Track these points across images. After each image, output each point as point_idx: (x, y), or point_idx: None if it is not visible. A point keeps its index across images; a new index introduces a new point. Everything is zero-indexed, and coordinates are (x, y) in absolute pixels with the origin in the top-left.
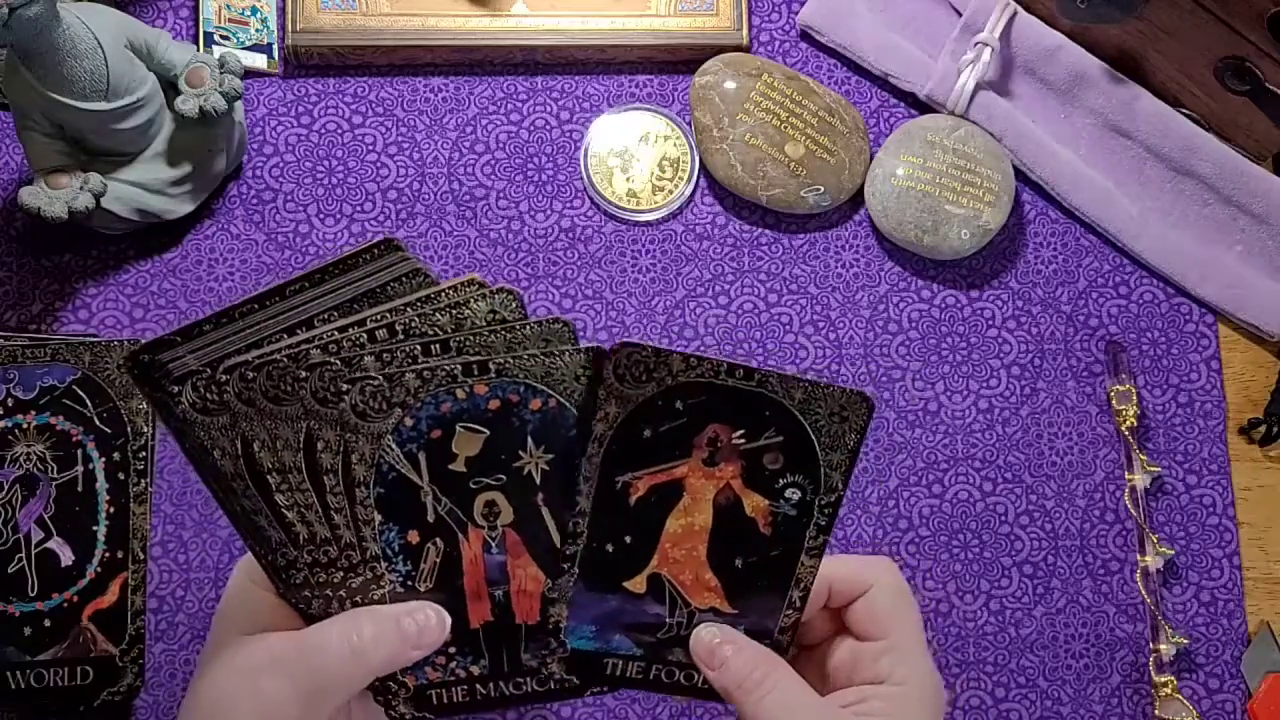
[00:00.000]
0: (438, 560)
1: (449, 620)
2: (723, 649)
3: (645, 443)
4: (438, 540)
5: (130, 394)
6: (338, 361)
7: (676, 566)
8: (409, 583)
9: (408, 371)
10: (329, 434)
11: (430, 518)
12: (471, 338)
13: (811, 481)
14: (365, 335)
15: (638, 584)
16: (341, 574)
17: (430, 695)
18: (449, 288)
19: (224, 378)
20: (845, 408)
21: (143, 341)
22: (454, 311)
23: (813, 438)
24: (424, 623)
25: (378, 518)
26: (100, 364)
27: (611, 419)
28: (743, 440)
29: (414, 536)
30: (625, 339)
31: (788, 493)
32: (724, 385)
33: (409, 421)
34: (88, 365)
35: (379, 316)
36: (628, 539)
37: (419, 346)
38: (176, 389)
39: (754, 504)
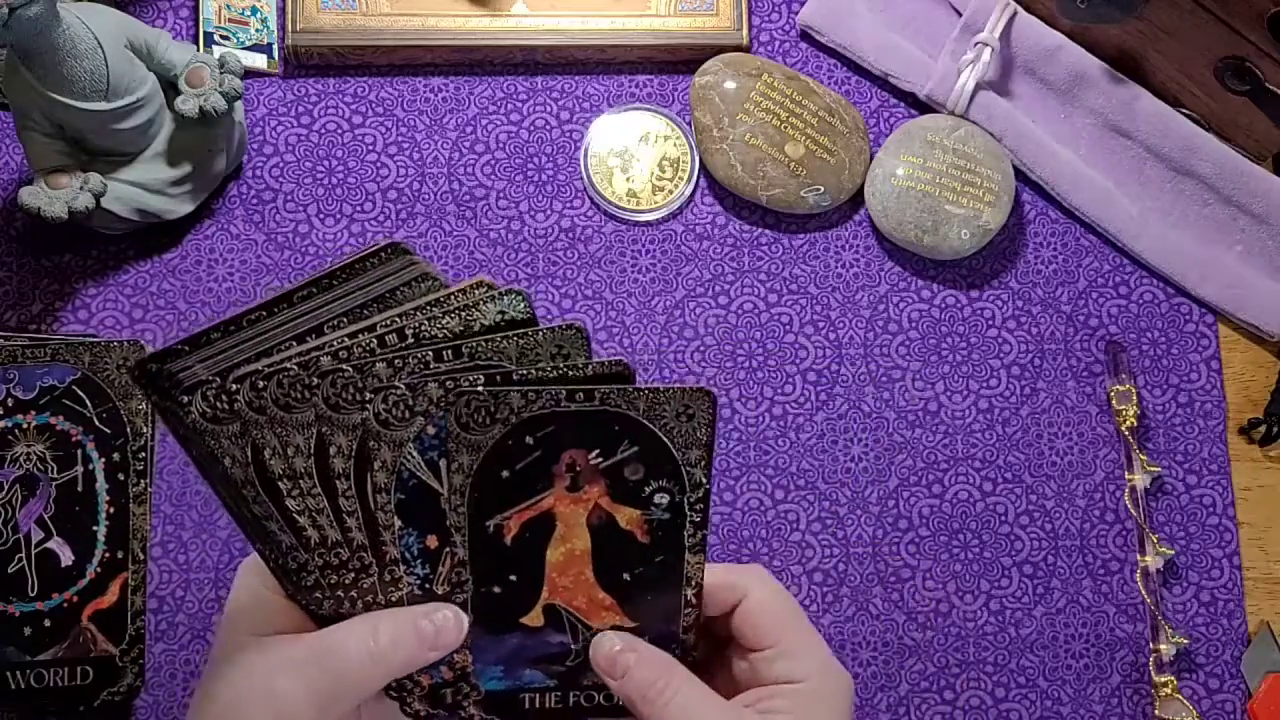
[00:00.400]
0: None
1: (466, 621)
2: (624, 657)
3: (506, 483)
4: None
5: (130, 394)
6: (349, 368)
7: (568, 593)
8: (427, 585)
9: (430, 381)
10: (341, 439)
11: (449, 522)
12: (484, 343)
13: (676, 483)
14: (375, 341)
15: (534, 618)
16: (354, 575)
17: (445, 694)
18: (457, 291)
19: (234, 387)
20: (690, 405)
21: (149, 350)
22: (463, 314)
23: (666, 441)
24: (441, 624)
25: (397, 522)
26: (100, 364)
27: (467, 468)
28: (600, 459)
29: (433, 541)
30: (459, 389)
31: (656, 498)
32: (567, 411)
33: (430, 430)
34: (88, 365)
35: (388, 321)
36: (513, 578)
37: (430, 352)
38: (186, 399)
39: (627, 517)
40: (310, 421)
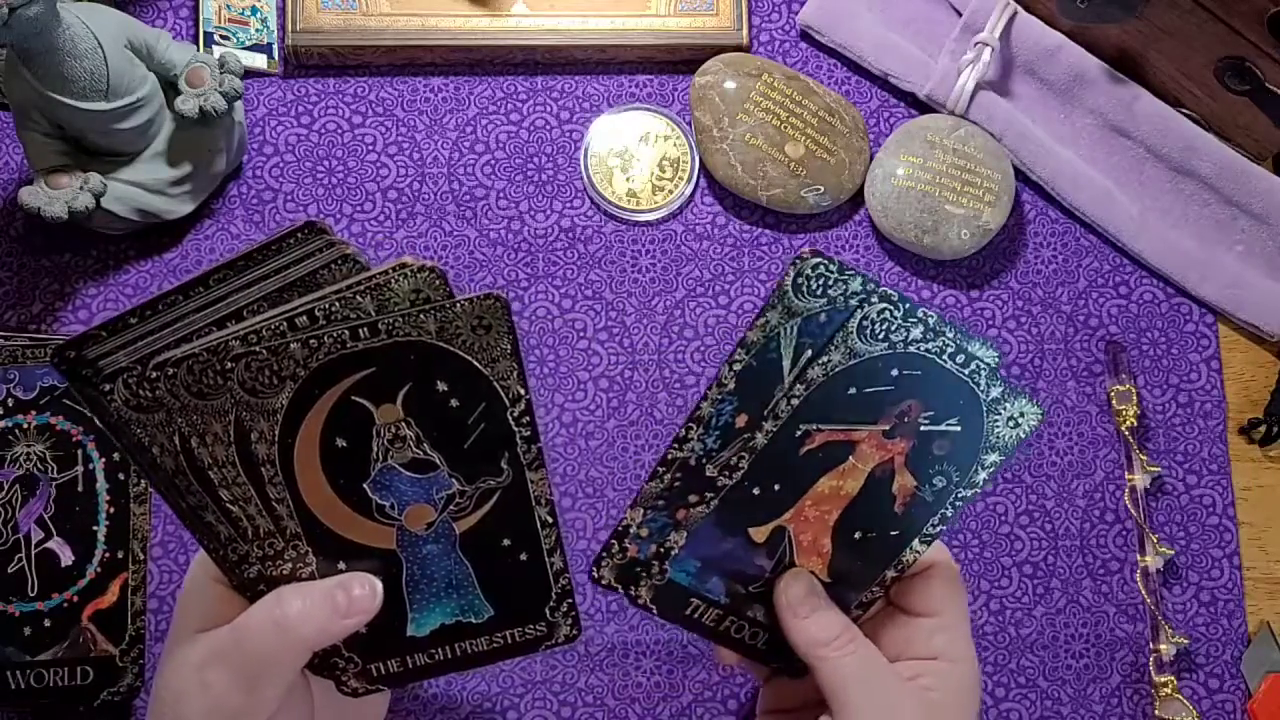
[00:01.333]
0: None
1: (380, 589)
2: (812, 600)
3: (846, 400)
4: None
5: None
6: (263, 351)
7: (804, 525)
8: (703, 461)
9: (293, 342)
10: (262, 424)
11: (769, 408)
12: (401, 320)
13: (960, 473)
14: (286, 323)
15: (760, 533)
16: (291, 565)
17: (637, 569)
18: (377, 272)
19: (154, 374)
20: (1018, 416)
21: (69, 339)
22: (375, 293)
23: (987, 434)
24: (357, 593)
25: (716, 388)
26: None
27: (829, 369)
28: (927, 422)
29: (742, 420)
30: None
31: (936, 479)
32: (944, 368)
33: (823, 318)
34: None
35: (306, 304)
36: (777, 486)
37: (346, 331)
38: (108, 386)
39: (903, 483)
40: (228, 408)
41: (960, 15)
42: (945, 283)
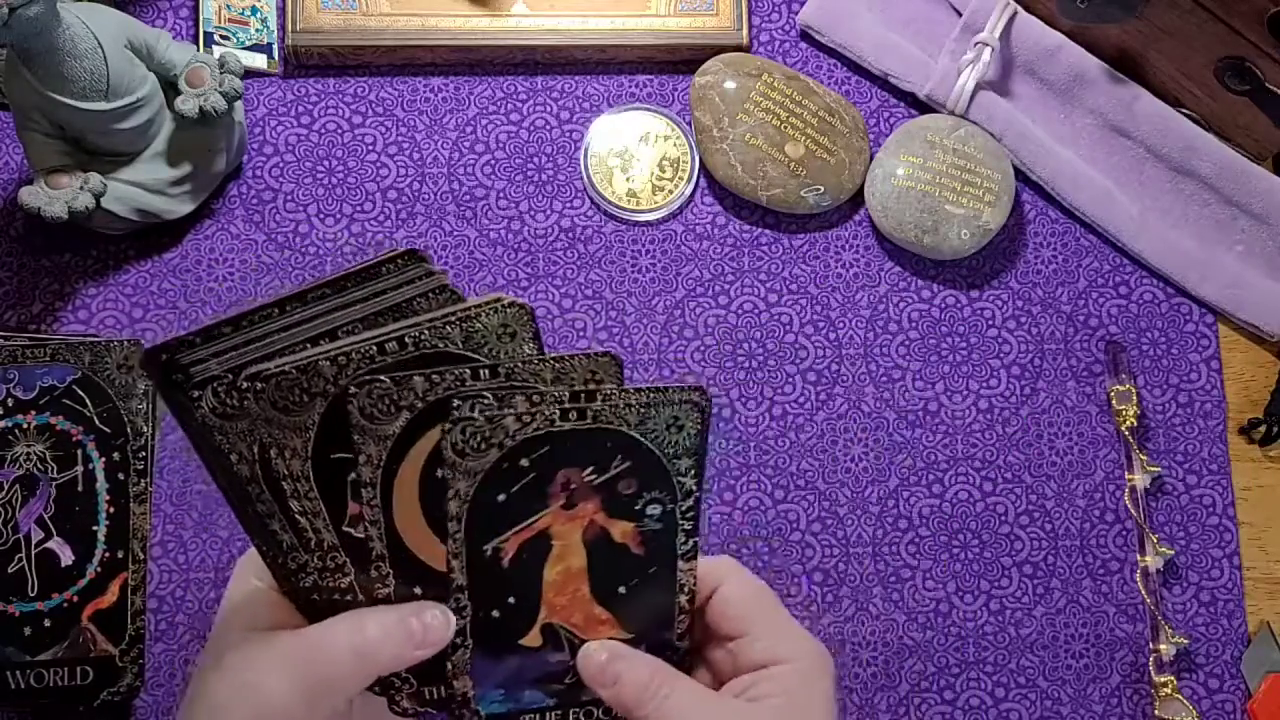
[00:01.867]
0: None
1: (454, 620)
2: (613, 665)
3: (501, 506)
4: None
5: (130, 394)
6: (387, 380)
7: (565, 611)
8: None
9: (416, 375)
10: (371, 448)
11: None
12: (485, 355)
13: (668, 492)
14: (375, 347)
15: (533, 639)
16: (349, 579)
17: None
18: (469, 305)
19: (244, 385)
20: (679, 415)
21: (156, 342)
22: (463, 325)
23: (657, 453)
24: (430, 622)
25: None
26: (100, 364)
27: (463, 494)
28: (594, 476)
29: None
30: (454, 410)
31: (649, 510)
32: (561, 431)
33: None
34: (88, 365)
35: (399, 330)
36: (511, 600)
37: (467, 371)
38: (197, 393)
39: (621, 530)
40: (309, 425)
41: (960, 15)
42: (945, 283)
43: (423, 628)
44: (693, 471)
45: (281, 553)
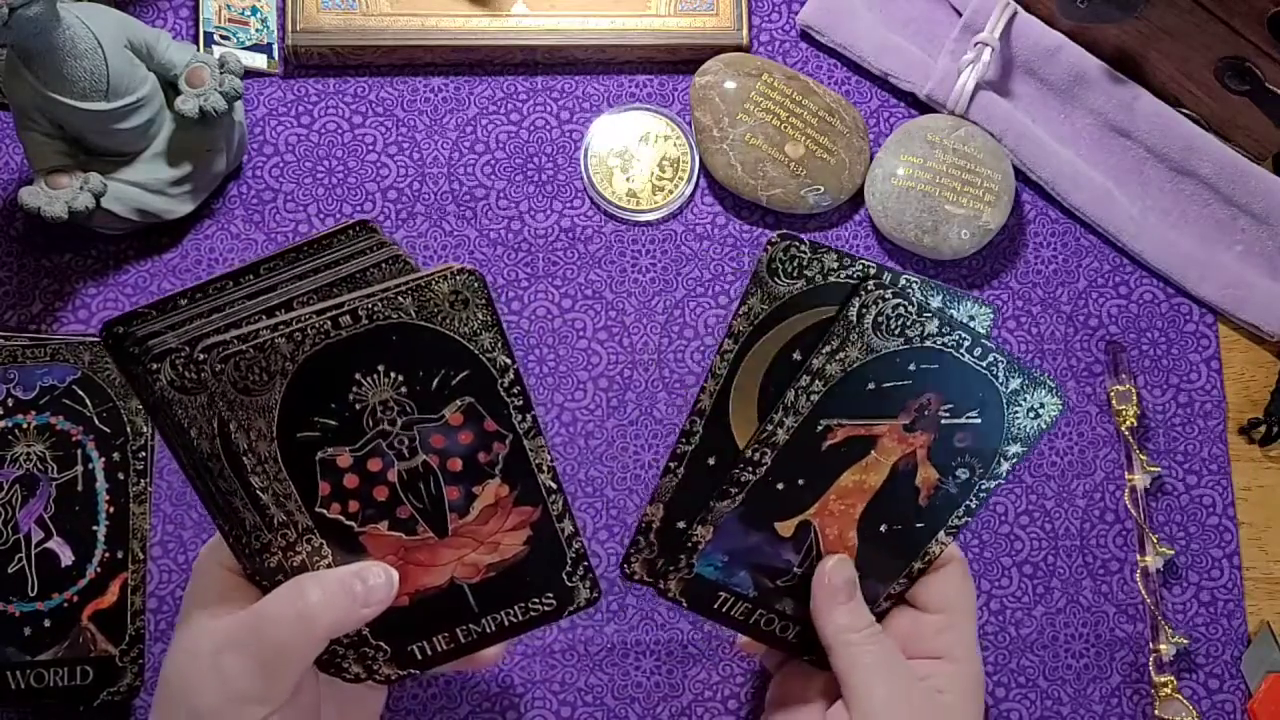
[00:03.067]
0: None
1: (396, 577)
2: (852, 588)
3: (865, 395)
4: None
5: (130, 394)
6: (249, 349)
7: (829, 519)
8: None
9: (280, 336)
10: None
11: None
12: (381, 304)
13: (982, 464)
14: (329, 322)
15: (787, 528)
16: (304, 557)
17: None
18: (420, 275)
19: (201, 357)
20: (1039, 407)
21: (118, 315)
22: (416, 294)
23: (1004, 428)
24: (372, 582)
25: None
26: (100, 364)
27: (848, 362)
28: (947, 415)
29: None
30: (879, 273)
31: (959, 471)
32: (962, 361)
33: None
34: (87, 365)
35: (351, 302)
36: (801, 481)
37: (328, 321)
38: (155, 366)
39: (926, 475)
40: (272, 405)
41: (960, 15)
42: (945, 282)
43: (365, 588)
44: (1015, 459)
45: (245, 532)
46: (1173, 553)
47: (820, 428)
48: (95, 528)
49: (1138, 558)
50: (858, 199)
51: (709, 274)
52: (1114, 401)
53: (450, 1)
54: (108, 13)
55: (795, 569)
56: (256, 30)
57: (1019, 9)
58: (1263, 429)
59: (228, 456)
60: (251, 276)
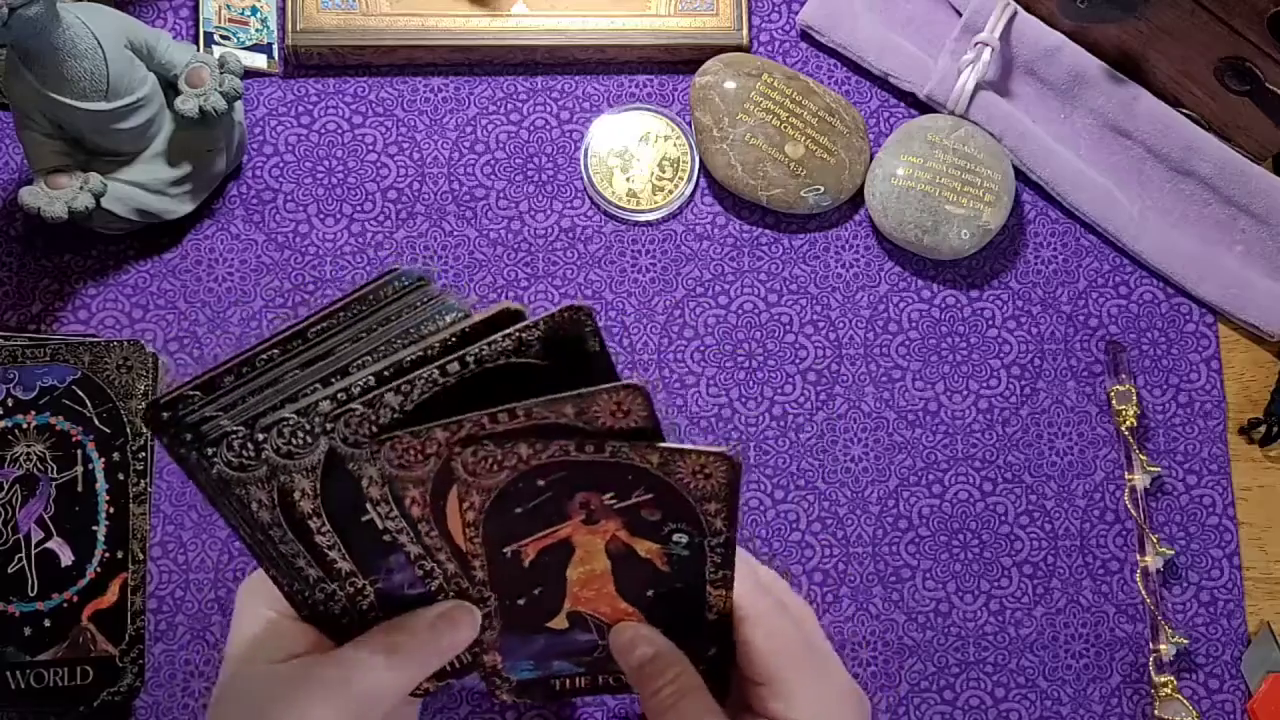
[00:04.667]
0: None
1: (479, 615)
2: (642, 649)
3: (520, 517)
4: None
5: (130, 394)
6: (359, 406)
7: (591, 603)
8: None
9: (324, 400)
10: (371, 471)
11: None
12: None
13: (694, 527)
14: (392, 393)
15: (559, 622)
16: (370, 600)
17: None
18: (481, 320)
19: (261, 437)
20: (706, 467)
21: (149, 349)
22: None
23: (682, 493)
24: (456, 620)
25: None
26: (100, 364)
27: (479, 507)
28: (614, 500)
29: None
30: (466, 436)
31: (675, 537)
32: (578, 460)
33: None
34: (87, 365)
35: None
36: (536, 591)
37: (436, 370)
38: (211, 450)
39: (645, 548)
40: (315, 465)
41: (960, 15)
42: (945, 283)
43: (451, 627)
44: (724, 515)
45: (308, 586)
46: (1173, 553)
47: (508, 554)
48: (95, 528)
49: (1138, 558)
50: (858, 199)
51: (709, 274)
52: (1114, 401)
53: (450, 1)
54: (108, 13)
55: (600, 642)
56: (256, 30)
57: (1019, 9)
58: (1263, 429)
59: (290, 523)
60: (299, 342)
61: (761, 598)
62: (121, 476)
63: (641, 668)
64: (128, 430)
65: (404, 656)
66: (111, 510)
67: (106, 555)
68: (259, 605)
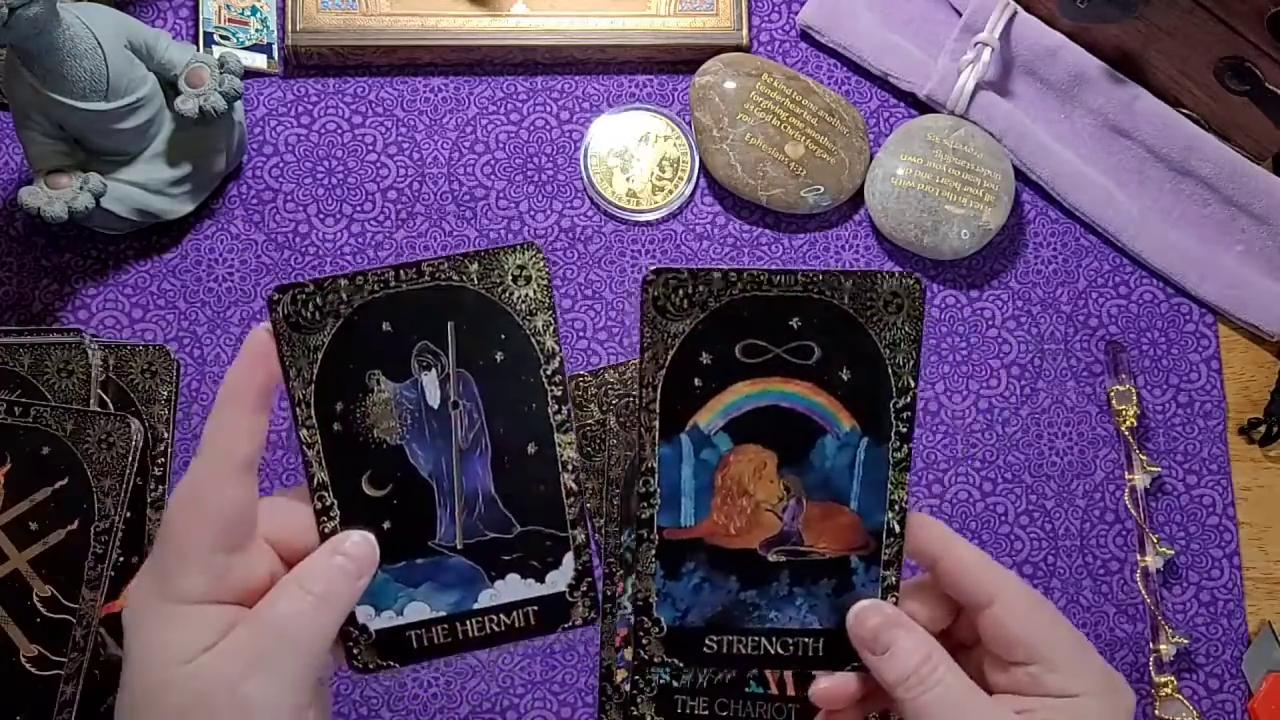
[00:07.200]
0: None
1: (373, 537)
2: (888, 633)
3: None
4: None
5: (153, 399)
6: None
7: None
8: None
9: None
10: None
11: None
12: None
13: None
14: (393, 273)
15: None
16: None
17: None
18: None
19: (276, 296)
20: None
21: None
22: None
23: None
24: (354, 550)
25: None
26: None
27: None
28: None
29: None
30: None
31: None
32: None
33: None
34: (112, 369)
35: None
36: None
37: (390, 273)
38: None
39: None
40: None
41: (960, 15)
42: (945, 283)
43: (350, 558)
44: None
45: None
46: (1173, 553)
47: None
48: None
49: (1138, 558)
50: (858, 199)
51: None
52: (1114, 401)
53: (450, 1)
54: (108, 13)
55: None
56: (256, 30)
57: (1019, 9)
58: (1263, 429)
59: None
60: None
61: (1001, 570)
62: (140, 481)
63: (891, 653)
64: (148, 435)
65: (327, 598)
66: (128, 515)
67: (120, 559)
68: (151, 595)
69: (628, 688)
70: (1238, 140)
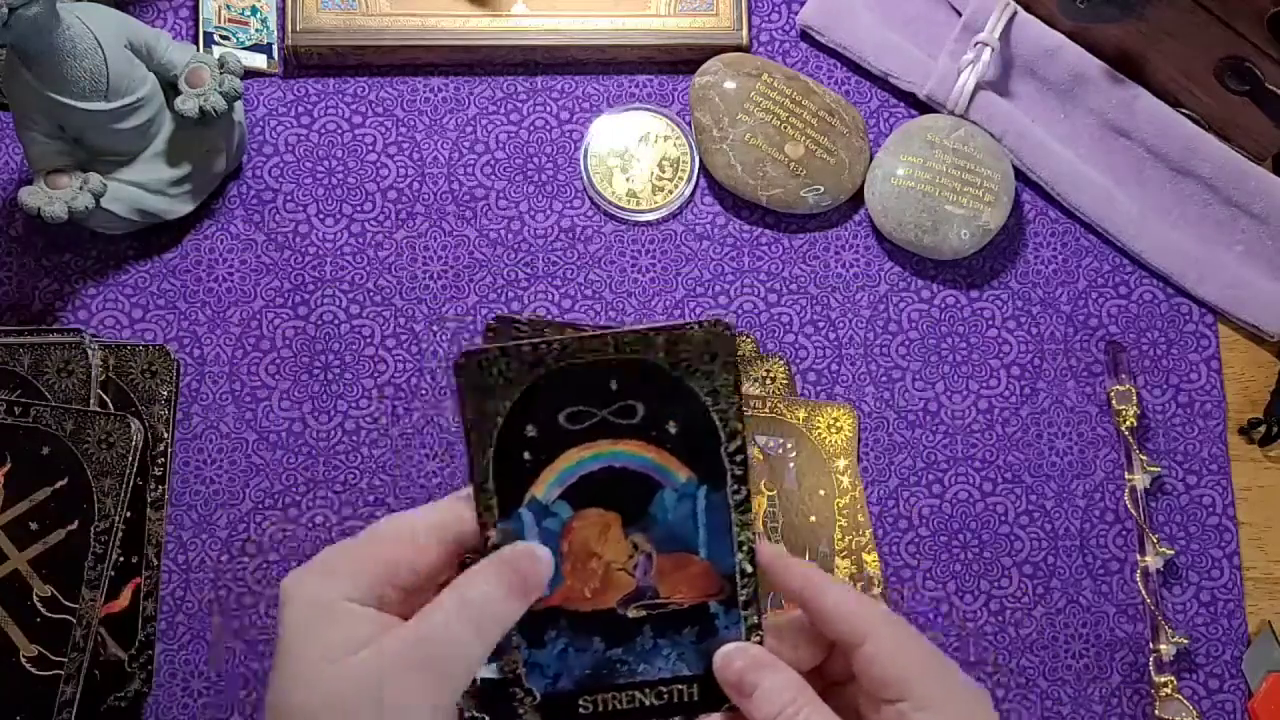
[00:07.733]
0: None
1: (548, 553)
2: (754, 674)
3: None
4: None
5: (153, 399)
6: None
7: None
8: None
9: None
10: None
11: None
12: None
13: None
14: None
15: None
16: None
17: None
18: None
19: (462, 360)
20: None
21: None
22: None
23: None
24: (527, 565)
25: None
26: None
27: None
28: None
29: None
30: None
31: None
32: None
33: None
34: (111, 369)
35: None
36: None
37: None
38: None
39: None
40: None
41: (960, 15)
42: (945, 283)
43: (521, 574)
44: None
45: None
46: (1173, 553)
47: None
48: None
49: (1138, 558)
50: (858, 199)
51: (709, 274)
52: (1114, 401)
53: (450, 1)
54: (108, 13)
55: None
56: (256, 30)
57: (1019, 9)
58: (1263, 429)
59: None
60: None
61: (871, 607)
62: (139, 481)
63: (757, 694)
64: (148, 435)
65: (479, 606)
66: (129, 515)
67: (120, 559)
68: (333, 594)
69: None
70: (1238, 140)
